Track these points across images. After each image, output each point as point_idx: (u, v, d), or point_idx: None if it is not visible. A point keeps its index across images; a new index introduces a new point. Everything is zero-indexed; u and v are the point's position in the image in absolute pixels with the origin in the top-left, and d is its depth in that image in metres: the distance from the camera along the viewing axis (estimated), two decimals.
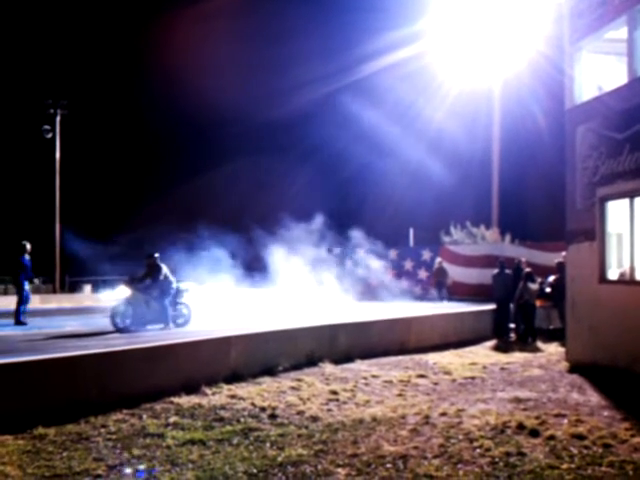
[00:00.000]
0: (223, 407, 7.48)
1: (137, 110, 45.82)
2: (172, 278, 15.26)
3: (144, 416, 7.03)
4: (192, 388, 8.18)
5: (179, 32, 41.13)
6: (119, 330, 14.14)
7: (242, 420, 6.93)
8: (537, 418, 7.01)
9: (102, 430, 6.50)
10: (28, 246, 16.24)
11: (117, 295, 14.88)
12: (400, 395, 8.38)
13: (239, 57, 45.32)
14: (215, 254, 23.54)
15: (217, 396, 8.03)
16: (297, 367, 9.95)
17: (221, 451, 5.88)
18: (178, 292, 15.39)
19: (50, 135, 31.02)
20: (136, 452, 5.82)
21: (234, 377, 8.89)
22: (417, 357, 11.59)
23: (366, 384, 9.05)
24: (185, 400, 7.76)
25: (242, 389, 8.42)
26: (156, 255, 15.09)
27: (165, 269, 15.10)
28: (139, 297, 14.59)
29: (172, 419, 6.92)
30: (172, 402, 7.65)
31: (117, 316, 14.36)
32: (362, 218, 34.45)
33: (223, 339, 9.42)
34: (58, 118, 31.31)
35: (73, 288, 35.22)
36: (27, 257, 16.19)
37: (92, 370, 7.46)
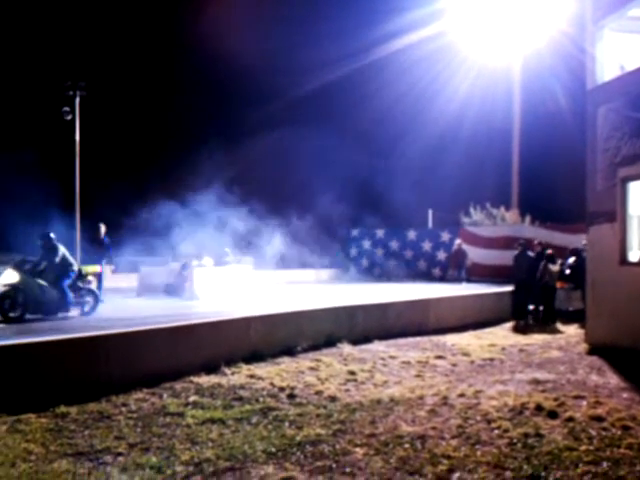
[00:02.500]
0: (242, 387, 7.55)
1: (161, 90, 45.74)
2: (71, 260, 13.91)
3: (164, 395, 7.13)
4: (212, 368, 8.27)
5: (207, 7, 40.73)
6: (7, 319, 12.69)
7: (261, 400, 6.99)
8: (555, 400, 7.00)
9: (123, 409, 6.60)
10: (103, 228, 16.45)
11: (3, 281, 13.26)
12: (418, 376, 8.40)
13: (265, 37, 44.80)
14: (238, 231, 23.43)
15: (236, 376, 8.10)
16: (316, 348, 10.01)
17: (240, 430, 5.95)
18: (80, 276, 14.05)
19: (70, 117, 31.17)
20: (156, 430, 5.91)
21: (253, 357, 8.97)
22: (435, 338, 11.59)
23: (384, 365, 9.08)
24: (205, 379, 7.85)
25: (261, 369, 8.49)
26: (52, 235, 13.64)
27: (62, 250, 13.67)
28: (30, 282, 13.10)
29: (192, 398, 7.00)
30: (192, 381, 7.74)
31: (6, 304, 12.82)
32: (380, 199, 34.36)
33: (243, 319, 9.51)
34: (77, 100, 31.45)
35: None
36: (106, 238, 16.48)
37: (114, 349, 7.56)
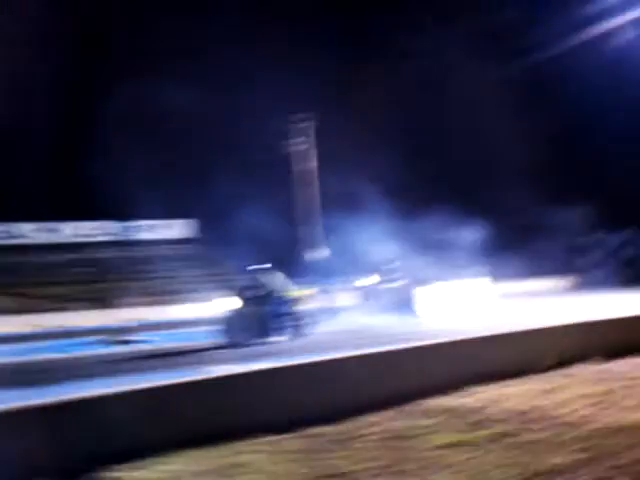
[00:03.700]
0: (486, 408, 7.42)
1: None
2: (286, 286, 14.77)
3: (408, 416, 7.26)
4: (453, 388, 8.26)
5: None
6: (231, 344, 13.55)
7: (507, 422, 6.81)
8: None
9: (374, 429, 6.81)
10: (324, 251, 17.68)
11: (225, 306, 14.38)
12: None
13: None
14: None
15: (479, 396, 7.99)
16: (556, 367, 9.46)
17: (487, 454, 5.84)
18: (292, 301, 14.82)
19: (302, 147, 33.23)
20: (402, 453, 6.03)
21: (487, 378, 8.72)
22: None
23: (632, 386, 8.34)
24: (447, 400, 7.85)
25: (504, 389, 8.30)
26: (259, 266, 14.71)
27: (269, 279, 14.61)
28: (250, 308, 14.11)
29: (436, 420, 7.03)
30: (434, 402, 7.79)
31: (228, 329, 13.86)
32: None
33: (475, 340, 9.40)
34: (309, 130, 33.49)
35: None
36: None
37: (364, 369, 7.89)
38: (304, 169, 32.36)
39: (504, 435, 6.36)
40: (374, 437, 6.58)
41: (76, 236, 45.49)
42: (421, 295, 18.48)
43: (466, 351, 9.09)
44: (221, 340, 13.93)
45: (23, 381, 10.51)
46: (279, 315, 14.49)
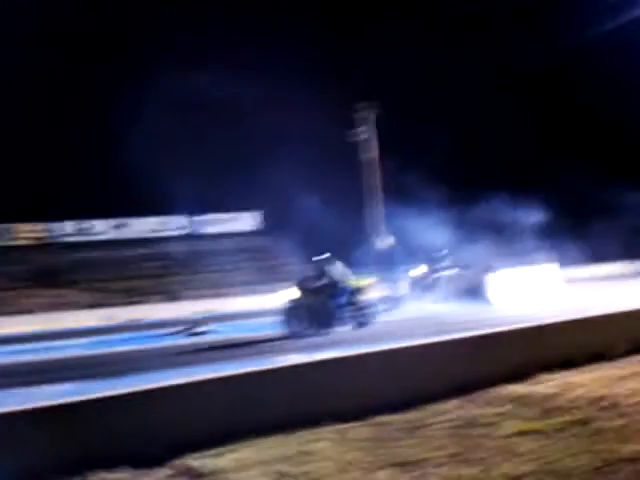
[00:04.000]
0: (557, 395, 7.29)
1: None
2: (346, 277, 14.67)
3: (476, 404, 7.19)
4: (522, 376, 8.11)
5: None
6: (295, 335, 13.72)
7: (578, 409, 6.67)
8: None
9: (440, 417, 6.78)
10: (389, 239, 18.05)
11: (286, 297, 14.42)
12: None
13: None
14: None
15: (550, 383, 7.84)
16: (629, 353, 9.18)
17: (558, 442, 5.74)
18: (354, 291, 14.76)
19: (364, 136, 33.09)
20: (471, 441, 5.97)
21: (565, 364, 8.57)
22: None
23: None
24: (517, 388, 7.73)
25: (575, 376, 8.10)
26: (321, 256, 14.63)
27: (331, 269, 14.54)
28: (311, 299, 14.18)
29: (505, 408, 6.95)
30: (503, 390, 7.69)
31: (289, 320, 13.97)
32: None
33: (547, 326, 9.22)
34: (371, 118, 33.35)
35: None
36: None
37: (428, 357, 7.88)
38: (367, 158, 32.27)
39: (576, 423, 6.23)
40: (443, 425, 6.54)
41: (145, 231, 46.73)
42: (492, 282, 18.17)
43: (538, 338, 8.92)
44: (285, 331, 14.09)
45: (103, 373, 10.88)
46: (342, 305, 14.51)
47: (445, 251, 21.16)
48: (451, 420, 6.69)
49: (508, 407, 6.96)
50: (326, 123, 30.11)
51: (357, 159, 31.47)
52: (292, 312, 14.22)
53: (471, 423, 6.54)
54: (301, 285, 14.59)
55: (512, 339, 8.64)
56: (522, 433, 6.07)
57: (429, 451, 5.80)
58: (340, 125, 31.22)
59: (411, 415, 6.92)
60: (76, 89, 35.76)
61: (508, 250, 20.93)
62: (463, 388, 7.62)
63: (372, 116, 32.21)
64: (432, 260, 20.56)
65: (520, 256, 20.82)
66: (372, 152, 31.75)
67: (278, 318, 14.26)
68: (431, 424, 6.61)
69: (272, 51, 33.10)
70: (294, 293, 14.46)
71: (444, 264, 20.46)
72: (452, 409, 7.08)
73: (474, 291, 18.62)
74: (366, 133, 31.96)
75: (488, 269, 18.94)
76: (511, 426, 6.28)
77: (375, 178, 32.11)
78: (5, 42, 30.10)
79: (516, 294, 17.71)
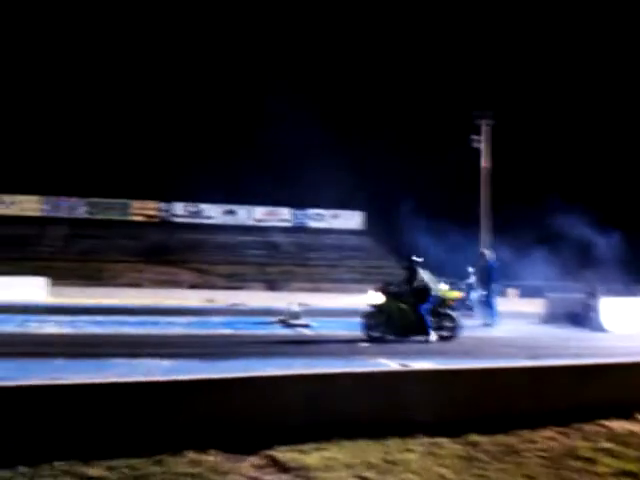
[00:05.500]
0: None
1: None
2: (433, 285, 13.98)
3: (574, 436, 6.90)
4: (623, 412, 7.71)
5: None
6: (371, 339, 13.41)
7: None
8: None
9: (531, 445, 6.56)
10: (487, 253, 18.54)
11: (369, 301, 14.06)
12: None
13: None
14: None
15: None
16: None
17: None
18: (442, 301, 14.10)
19: (479, 145, 32.42)
20: (567, 474, 5.75)
21: None
22: None
23: None
24: (616, 425, 7.34)
25: None
26: (413, 258, 13.97)
27: (423, 274, 13.88)
28: (392, 305, 13.71)
29: (604, 444, 6.64)
30: (603, 425, 7.32)
31: (370, 324, 13.68)
32: None
33: None
34: (485, 128, 32.55)
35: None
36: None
37: (525, 382, 7.62)
38: (481, 168, 31.81)
39: None
40: (540, 453, 6.32)
41: (251, 219, 47.75)
42: (604, 308, 17.30)
43: None
44: (364, 334, 13.79)
45: (200, 354, 11.21)
46: (432, 314, 14.00)
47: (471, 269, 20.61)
48: (545, 450, 6.46)
49: (607, 444, 6.63)
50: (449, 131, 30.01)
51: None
52: (373, 316, 13.99)
53: (567, 455, 6.28)
54: (385, 289, 14.27)
55: (619, 372, 8.22)
56: (620, 474, 5.79)
57: (519, 478, 5.63)
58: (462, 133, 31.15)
59: (502, 438, 6.73)
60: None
61: (605, 279, 20.09)
62: (559, 418, 7.33)
63: (489, 125, 31.82)
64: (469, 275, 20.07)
65: (619, 285, 19.90)
66: (487, 161, 31.39)
67: (365, 320, 14.12)
68: (523, 450, 6.40)
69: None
70: (377, 297, 14.18)
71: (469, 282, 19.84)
72: (546, 438, 6.82)
73: (574, 316, 17.82)
74: (482, 142, 31.59)
75: (595, 295, 18.05)
76: (610, 464, 6.00)
77: (487, 188, 31.61)
78: None
79: (626, 323, 16.81)
